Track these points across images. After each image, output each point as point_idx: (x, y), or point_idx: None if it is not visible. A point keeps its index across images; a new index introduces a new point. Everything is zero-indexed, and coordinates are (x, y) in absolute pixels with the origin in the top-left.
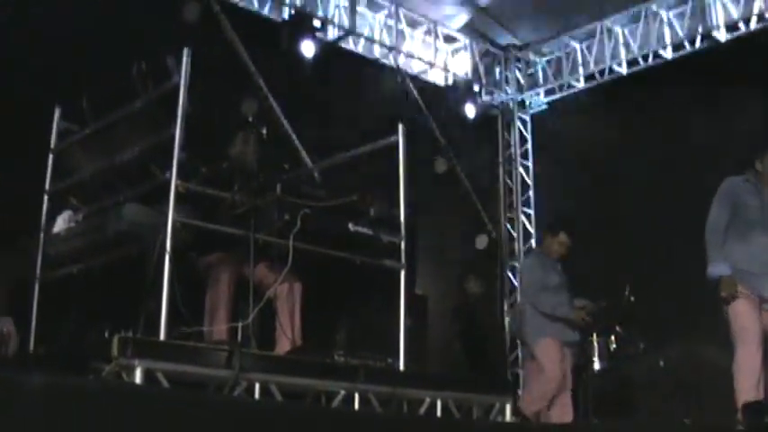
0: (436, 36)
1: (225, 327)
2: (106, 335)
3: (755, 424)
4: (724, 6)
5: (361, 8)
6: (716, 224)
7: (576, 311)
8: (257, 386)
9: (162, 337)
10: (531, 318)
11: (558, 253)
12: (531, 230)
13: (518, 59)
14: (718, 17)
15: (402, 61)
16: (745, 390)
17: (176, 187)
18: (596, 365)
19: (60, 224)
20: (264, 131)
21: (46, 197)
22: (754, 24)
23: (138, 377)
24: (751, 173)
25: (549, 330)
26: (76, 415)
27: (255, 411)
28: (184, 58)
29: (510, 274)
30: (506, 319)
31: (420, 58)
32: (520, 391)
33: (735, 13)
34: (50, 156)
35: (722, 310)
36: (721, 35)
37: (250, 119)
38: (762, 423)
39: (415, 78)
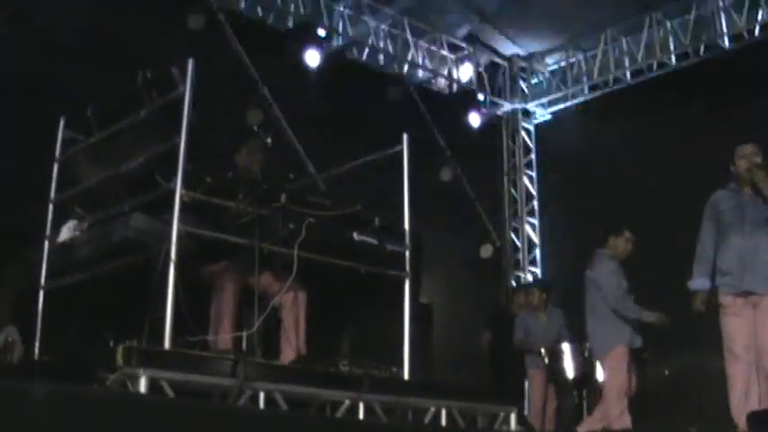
0: (441, 45)
1: (230, 336)
2: (111, 344)
3: None
4: (728, 16)
5: (365, 17)
6: (701, 239)
7: (658, 315)
8: (262, 395)
9: (167, 346)
10: (604, 325)
11: (627, 252)
12: (536, 240)
13: (522, 69)
14: (722, 26)
15: (406, 70)
16: (734, 402)
17: (181, 196)
18: (600, 376)
19: (65, 233)
20: (269, 141)
21: (51, 206)
22: (758, 33)
23: (142, 386)
24: (732, 178)
25: (623, 338)
26: (80, 424)
27: (260, 421)
28: (189, 68)
29: (515, 284)
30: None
31: (424, 68)
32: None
33: (739, 23)
34: (55, 165)
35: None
36: (725, 44)
37: (255, 128)
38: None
39: (419, 87)
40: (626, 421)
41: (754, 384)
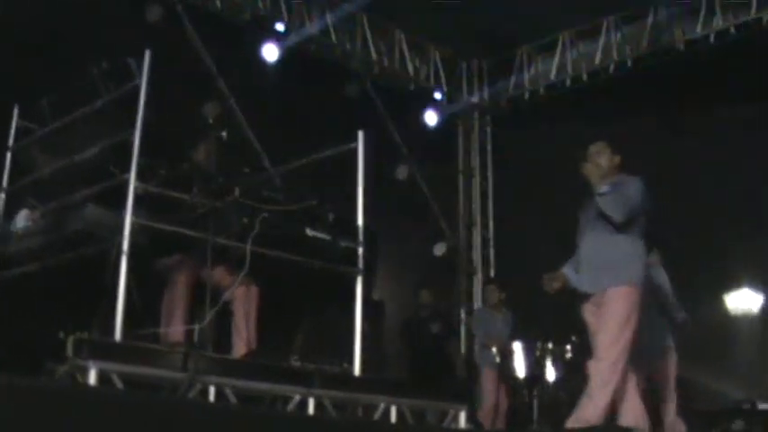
0: (399, 42)
1: (181, 329)
2: (61, 335)
3: None
4: (684, 21)
5: (324, 12)
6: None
7: None
8: (212, 389)
9: (117, 338)
10: (666, 330)
11: None
12: (490, 239)
13: (480, 68)
14: (677, 32)
15: (364, 66)
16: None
17: (135, 189)
18: (551, 375)
19: (18, 223)
20: (225, 134)
21: (3, 195)
22: (712, 40)
23: (92, 378)
24: None
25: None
26: (28, 415)
27: (210, 414)
28: (146, 60)
29: (467, 283)
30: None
31: (382, 64)
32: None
33: (695, 28)
34: (8, 154)
35: None
36: (681, 49)
37: (210, 121)
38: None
39: (376, 84)
40: None
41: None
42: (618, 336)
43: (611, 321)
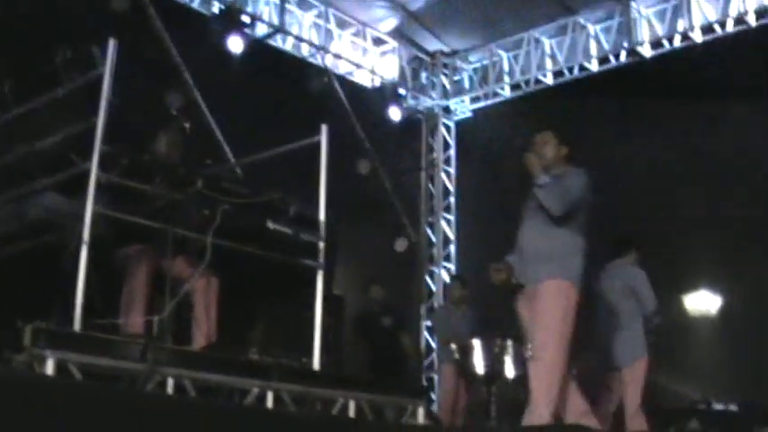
0: (365, 38)
1: (140, 320)
2: (19, 324)
3: None
4: (649, 23)
5: (290, 6)
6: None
7: None
8: (170, 381)
9: (76, 328)
10: (635, 334)
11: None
12: (451, 236)
13: (445, 66)
14: (643, 33)
15: (330, 61)
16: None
17: (97, 178)
18: (510, 372)
19: None
20: (188, 125)
21: None
22: (678, 42)
23: (49, 368)
24: None
25: (646, 348)
26: None
27: (167, 406)
28: (110, 48)
29: (428, 279)
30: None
31: (348, 60)
32: (434, 395)
33: (659, 30)
34: None
35: None
36: (646, 51)
37: (174, 112)
38: None
39: (341, 79)
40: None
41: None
42: (553, 333)
43: (547, 317)
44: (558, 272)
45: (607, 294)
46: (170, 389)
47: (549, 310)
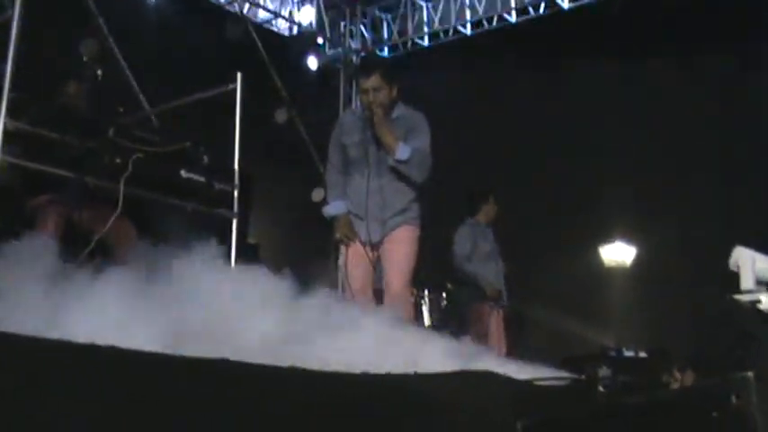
0: None
1: None
2: None
3: None
4: None
5: None
6: (329, 167)
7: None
8: None
9: None
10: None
11: (491, 218)
12: None
13: (364, 14)
14: None
15: (246, 9)
16: None
17: (5, 125)
18: (426, 321)
19: None
20: (100, 73)
21: None
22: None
23: None
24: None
25: None
26: None
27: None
28: None
29: None
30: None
31: (265, 8)
32: None
33: None
34: None
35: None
36: (564, 2)
37: (86, 59)
38: None
39: (259, 27)
40: None
41: None
42: (408, 274)
43: (405, 261)
44: (411, 219)
45: None
46: None
47: (405, 254)
